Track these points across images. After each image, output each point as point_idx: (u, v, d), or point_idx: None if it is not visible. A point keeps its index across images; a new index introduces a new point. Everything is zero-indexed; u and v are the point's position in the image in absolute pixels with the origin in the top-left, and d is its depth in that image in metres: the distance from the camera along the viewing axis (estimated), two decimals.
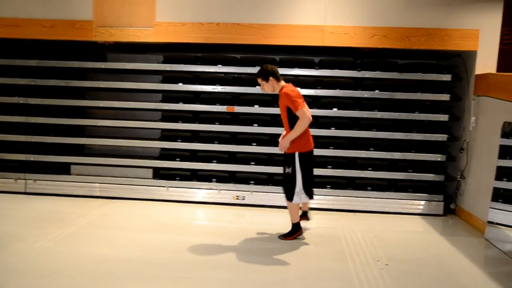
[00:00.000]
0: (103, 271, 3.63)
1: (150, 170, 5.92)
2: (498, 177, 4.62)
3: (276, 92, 4.36)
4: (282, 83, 4.32)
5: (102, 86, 5.95)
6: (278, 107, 5.67)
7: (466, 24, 5.30)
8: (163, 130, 5.97)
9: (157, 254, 4.04)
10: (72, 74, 6.03)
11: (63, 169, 5.95)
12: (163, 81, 5.92)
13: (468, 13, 5.29)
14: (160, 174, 5.93)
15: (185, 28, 5.46)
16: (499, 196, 4.62)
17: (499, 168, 4.62)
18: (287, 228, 4.57)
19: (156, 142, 5.99)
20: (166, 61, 5.92)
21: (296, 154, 4.24)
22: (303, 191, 4.31)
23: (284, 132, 4.51)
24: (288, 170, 4.29)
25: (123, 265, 3.76)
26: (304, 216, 4.74)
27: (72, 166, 5.93)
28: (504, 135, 4.60)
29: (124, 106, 6.00)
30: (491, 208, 4.66)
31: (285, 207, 5.62)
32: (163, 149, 5.97)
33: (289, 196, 4.36)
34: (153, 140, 6.07)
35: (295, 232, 4.50)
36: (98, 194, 5.82)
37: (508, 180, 4.60)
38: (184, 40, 5.49)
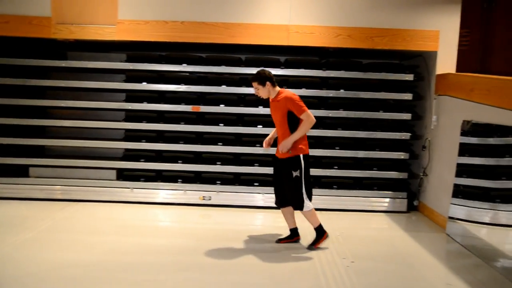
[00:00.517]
0: (63, 277, 3.50)
1: (114, 172, 5.78)
2: (458, 174, 4.76)
3: (271, 97, 4.25)
4: (277, 88, 4.24)
5: (62, 85, 5.75)
6: (244, 106, 5.72)
7: (426, 25, 5.43)
8: (127, 130, 5.84)
9: (121, 257, 3.94)
10: (32, 73, 5.80)
11: (22, 172, 5.71)
12: (126, 80, 5.79)
13: (429, 15, 5.42)
14: (124, 175, 5.79)
15: (149, 27, 5.35)
16: (459, 192, 4.75)
17: (459, 165, 4.75)
18: (252, 228, 4.55)
19: (120, 142, 5.85)
20: (129, 59, 5.79)
21: (301, 157, 4.14)
22: (307, 196, 4.18)
23: (271, 134, 4.46)
24: (296, 173, 4.11)
25: (85, 270, 3.64)
26: (295, 235, 4.47)
27: (31, 169, 5.71)
28: (464, 133, 4.73)
29: (86, 106, 5.83)
30: (451, 204, 4.79)
31: (251, 207, 5.64)
32: (127, 149, 5.84)
33: (299, 205, 4.17)
34: (117, 140, 5.92)
35: (321, 235, 4.29)
36: (59, 197, 5.63)
37: (467, 177, 4.74)
38: (148, 38, 5.38)
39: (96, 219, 5.05)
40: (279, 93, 4.21)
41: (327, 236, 4.32)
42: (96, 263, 3.78)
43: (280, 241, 4.44)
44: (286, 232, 4.58)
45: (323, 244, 4.30)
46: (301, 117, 4.09)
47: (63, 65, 5.74)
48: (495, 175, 4.56)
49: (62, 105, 5.77)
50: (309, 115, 4.08)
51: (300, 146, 4.15)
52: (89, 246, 4.18)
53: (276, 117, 4.26)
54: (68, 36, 5.39)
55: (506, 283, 3.63)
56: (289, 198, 4.26)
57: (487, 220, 4.61)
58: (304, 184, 4.15)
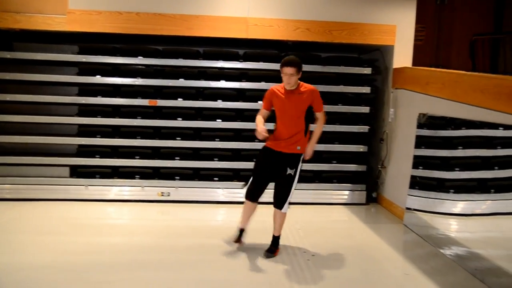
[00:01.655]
0: (16, 280, 3.31)
1: (67, 169, 5.54)
2: (415, 166, 4.85)
3: (291, 88, 3.88)
4: (299, 80, 3.96)
5: (8, 78, 5.42)
6: (203, 100, 5.61)
7: (384, 20, 5.49)
8: (81, 125, 5.61)
9: (75, 257, 3.77)
10: None
11: None
12: (79, 73, 5.55)
13: (386, 10, 5.49)
14: (78, 172, 5.57)
15: (102, 17, 5.13)
16: (416, 183, 4.85)
17: (415, 157, 4.85)
18: (213, 223, 4.47)
19: (73, 138, 5.60)
20: (82, 52, 5.55)
21: (302, 156, 3.94)
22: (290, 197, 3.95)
23: (262, 125, 3.85)
24: (291, 171, 3.88)
25: (37, 272, 3.46)
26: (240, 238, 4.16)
27: None
28: (420, 125, 4.83)
29: (36, 100, 5.52)
30: (408, 195, 4.89)
31: (212, 202, 5.56)
32: (80, 145, 5.61)
33: (281, 204, 3.93)
34: (70, 136, 5.67)
35: (277, 246, 4.07)
36: (8, 196, 5.34)
37: (423, 168, 4.85)
38: (101, 30, 5.16)
39: (49, 219, 4.83)
40: (300, 85, 3.92)
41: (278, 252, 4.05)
42: (50, 264, 3.61)
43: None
44: (249, 227, 4.53)
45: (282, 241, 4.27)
46: (319, 115, 3.93)
47: (8, 56, 5.40)
48: (449, 166, 4.69)
49: (8, 99, 5.44)
50: (324, 116, 3.98)
51: (305, 144, 3.96)
52: (40, 247, 3.98)
53: (296, 110, 3.87)
54: (13, 25, 5.09)
55: (459, 269, 3.74)
56: (277, 194, 3.99)
57: (442, 210, 4.74)
58: (295, 185, 3.95)
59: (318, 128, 4.01)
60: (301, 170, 3.99)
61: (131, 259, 3.80)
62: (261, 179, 4.02)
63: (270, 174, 3.99)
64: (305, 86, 3.93)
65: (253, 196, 4.04)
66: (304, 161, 4.02)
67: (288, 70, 3.79)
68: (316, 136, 3.99)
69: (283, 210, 3.95)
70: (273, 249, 4.02)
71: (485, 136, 4.35)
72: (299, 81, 3.91)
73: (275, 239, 4.07)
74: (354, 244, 4.40)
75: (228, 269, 3.66)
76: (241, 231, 4.14)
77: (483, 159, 4.47)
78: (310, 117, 3.95)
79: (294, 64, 3.79)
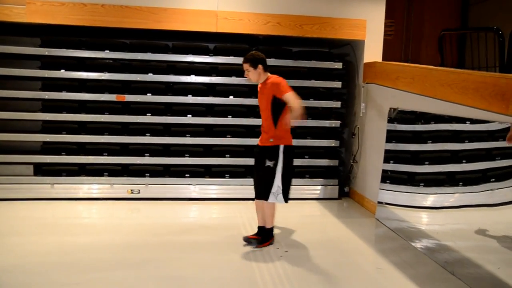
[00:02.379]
0: None
1: (31, 166, 5.34)
2: (386, 160, 4.89)
3: (258, 82, 3.98)
4: (268, 74, 3.96)
5: None
6: (172, 95, 5.49)
7: (354, 14, 5.50)
8: (45, 121, 5.39)
9: (41, 258, 3.62)
10: None
11: None
12: (42, 67, 5.33)
13: (356, 4, 5.49)
14: (43, 170, 5.36)
15: (65, 8, 4.93)
16: (387, 177, 4.89)
17: (386, 151, 4.88)
18: (185, 220, 4.38)
19: (37, 135, 5.39)
20: (44, 45, 5.33)
21: (281, 147, 3.89)
22: (281, 191, 3.91)
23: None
24: (270, 163, 3.87)
25: (1, 275, 3.30)
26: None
27: None
28: (390, 120, 4.86)
29: None
30: (380, 189, 4.92)
31: (183, 199, 5.46)
32: (45, 142, 5.40)
33: (265, 195, 3.94)
34: (33, 133, 5.45)
35: (268, 239, 4.06)
36: None
37: (394, 162, 4.89)
38: (64, 22, 4.95)
39: (13, 219, 4.63)
40: (267, 78, 3.94)
41: (272, 243, 4.09)
42: (15, 267, 3.46)
43: (247, 238, 4.12)
44: (217, 224, 4.47)
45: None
46: (285, 97, 3.77)
47: None
48: (419, 160, 4.74)
49: None
50: (295, 96, 3.77)
51: (281, 136, 3.92)
52: (5, 249, 3.82)
53: (262, 102, 3.99)
54: None
55: (429, 262, 3.78)
56: (258, 186, 4.04)
57: (413, 203, 4.80)
58: (279, 177, 3.89)
59: (292, 105, 3.78)
60: (290, 163, 3.97)
61: (100, 258, 3.68)
62: (253, 174, 4.15)
63: (256, 168, 4.07)
64: (271, 79, 3.94)
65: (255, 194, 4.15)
66: (290, 154, 3.97)
67: (244, 66, 3.96)
68: (293, 111, 3.75)
69: (269, 200, 3.95)
70: (260, 240, 4.03)
71: (453, 130, 4.42)
72: (268, 75, 3.97)
73: (263, 230, 4.08)
74: (327, 238, 4.40)
75: (199, 266, 3.58)
76: (258, 228, 4.19)
77: (451, 152, 4.54)
78: (278, 109, 3.91)
79: (246, 60, 3.93)
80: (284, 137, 3.94)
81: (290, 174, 4.03)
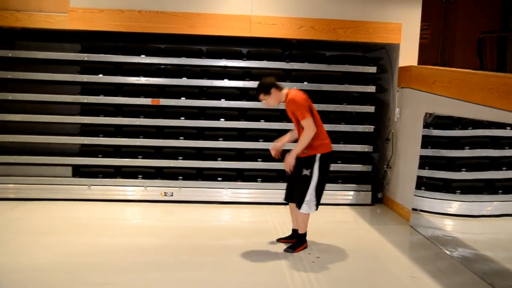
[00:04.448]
0: (12, 281, 3.26)
1: (70, 168, 5.51)
2: (421, 166, 4.78)
3: (282, 102, 3.97)
4: (285, 91, 3.95)
5: (10, 76, 5.37)
6: (206, 99, 5.56)
7: (389, 18, 5.42)
8: (83, 124, 5.56)
9: (76, 258, 3.72)
10: None
11: None
12: (81, 72, 5.50)
13: (391, 7, 5.41)
14: (80, 172, 5.53)
15: (104, 15, 5.08)
16: (422, 184, 4.78)
17: (421, 157, 4.78)
18: (216, 224, 4.41)
19: (76, 137, 5.56)
20: (84, 50, 5.50)
21: (317, 156, 3.87)
22: (314, 199, 3.91)
23: (284, 138, 4.19)
24: (306, 172, 3.86)
25: (37, 273, 3.41)
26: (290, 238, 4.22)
27: None
28: (426, 125, 4.75)
29: (38, 99, 5.48)
30: (415, 196, 4.81)
31: (215, 202, 5.51)
32: (83, 145, 5.57)
33: (298, 203, 3.93)
34: (72, 135, 5.63)
35: (302, 243, 4.06)
36: (11, 196, 5.31)
37: (430, 169, 4.77)
38: (103, 28, 5.11)
39: (51, 219, 4.78)
40: (287, 95, 3.91)
41: (306, 247, 4.08)
42: (51, 266, 3.56)
43: (279, 240, 4.23)
44: (248, 228, 4.48)
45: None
46: (302, 123, 3.80)
47: (10, 55, 5.37)
48: (456, 167, 4.61)
49: (10, 98, 5.40)
50: (309, 124, 3.76)
51: (316, 145, 3.87)
52: (41, 248, 3.93)
53: (291, 117, 3.99)
54: (14, 23, 5.04)
55: (464, 270, 3.67)
56: (294, 193, 4.03)
57: (448, 211, 4.66)
58: (314, 186, 3.88)
59: (300, 137, 3.85)
60: (325, 171, 3.96)
61: (133, 260, 3.75)
62: (289, 181, 4.17)
63: (294, 175, 4.01)
64: (289, 95, 3.91)
65: (285, 196, 4.19)
66: (327, 162, 3.97)
67: (260, 98, 3.99)
68: (297, 146, 3.84)
69: (301, 211, 3.95)
70: (294, 245, 4.05)
71: (493, 136, 4.28)
72: (286, 91, 3.95)
73: (297, 235, 4.10)
74: (360, 245, 4.33)
75: (232, 270, 3.60)
76: (292, 230, 4.24)
77: (490, 159, 4.39)
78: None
79: (258, 92, 3.96)
80: (320, 146, 3.91)
81: (325, 180, 4.01)
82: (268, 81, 3.93)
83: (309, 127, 3.79)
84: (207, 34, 5.23)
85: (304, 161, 3.90)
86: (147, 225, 4.80)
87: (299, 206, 3.95)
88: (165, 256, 3.85)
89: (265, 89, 3.91)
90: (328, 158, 3.97)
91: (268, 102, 3.95)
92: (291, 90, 3.96)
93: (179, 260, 3.78)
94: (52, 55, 5.40)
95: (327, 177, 4.05)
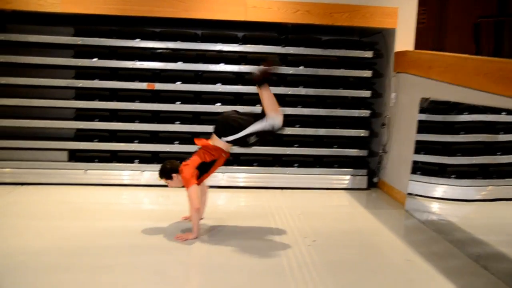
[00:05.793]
0: (8, 265, 3.27)
1: (65, 153, 5.48)
2: (417, 151, 4.80)
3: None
4: (180, 170, 3.96)
5: (2, 60, 5.27)
6: (202, 83, 5.52)
7: (385, 2, 5.38)
8: (78, 109, 5.52)
9: (75, 242, 3.73)
10: None
11: None
12: (75, 56, 5.44)
13: None
14: (76, 156, 5.51)
15: None
16: (418, 169, 4.81)
17: (417, 142, 4.80)
18: (213, 208, 4.43)
19: (71, 122, 5.53)
20: (77, 34, 5.43)
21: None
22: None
23: None
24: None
25: (34, 257, 3.41)
26: None
27: None
28: (422, 110, 4.76)
29: (31, 83, 5.41)
30: (410, 180, 4.85)
31: (212, 187, 5.47)
32: (78, 129, 5.54)
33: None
34: (67, 120, 5.59)
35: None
36: (8, 180, 5.29)
37: (425, 153, 4.80)
38: (97, 11, 5.03)
39: (47, 203, 4.78)
40: (182, 172, 3.94)
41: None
42: (49, 249, 3.57)
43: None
44: (244, 212, 4.50)
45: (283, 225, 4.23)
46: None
47: (2, 38, 5.28)
48: (451, 151, 4.64)
49: (3, 82, 5.34)
50: (191, 192, 3.83)
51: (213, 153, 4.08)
52: (38, 231, 3.94)
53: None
54: (4, 6, 4.93)
55: (458, 254, 3.73)
56: None
57: (443, 195, 4.71)
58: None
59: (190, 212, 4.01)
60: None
61: (131, 243, 3.77)
62: None
63: None
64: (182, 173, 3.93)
65: None
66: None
67: (164, 182, 4.06)
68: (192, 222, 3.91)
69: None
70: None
71: (488, 121, 4.30)
72: (180, 170, 3.94)
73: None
74: (355, 229, 4.38)
75: (226, 253, 3.62)
76: None
77: (485, 144, 4.42)
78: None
79: (161, 177, 4.04)
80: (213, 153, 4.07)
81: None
82: (168, 166, 3.99)
83: (190, 195, 3.85)
84: (202, 18, 5.17)
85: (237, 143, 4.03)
86: (144, 209, 4.81)
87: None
88: (163, 239, 3.87)
89: (166, 174, 4.00)
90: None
91: (170, 185, 4.06)
92: (182, 167, 3.94)
93: (176, 243, 3.80)
94: (45, 39, 5.32)
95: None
